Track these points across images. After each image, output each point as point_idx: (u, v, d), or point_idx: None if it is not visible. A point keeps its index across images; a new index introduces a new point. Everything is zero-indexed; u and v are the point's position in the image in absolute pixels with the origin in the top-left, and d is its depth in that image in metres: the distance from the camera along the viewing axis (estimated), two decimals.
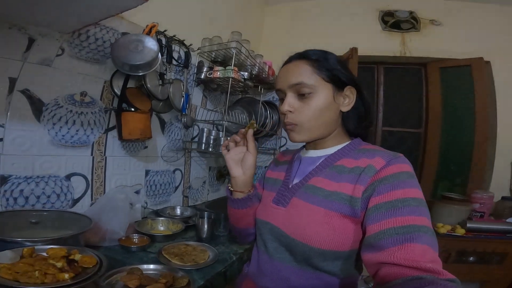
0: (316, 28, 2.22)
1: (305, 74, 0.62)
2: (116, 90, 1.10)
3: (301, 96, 0.62)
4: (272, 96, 2.24)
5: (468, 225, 1.59)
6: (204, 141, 1.53)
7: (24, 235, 0.73)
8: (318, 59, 0.62)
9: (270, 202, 0.69)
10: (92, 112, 1.05)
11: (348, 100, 0.65)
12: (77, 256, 0.63)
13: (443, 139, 1.97)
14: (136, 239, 0.97)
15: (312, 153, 0.69)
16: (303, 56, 0.64)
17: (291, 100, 0.63)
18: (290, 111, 0.63)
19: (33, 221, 0.78)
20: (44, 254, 0.63)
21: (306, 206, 0.60)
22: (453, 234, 1.58)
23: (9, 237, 0.65)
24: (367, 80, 2.20)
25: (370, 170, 0.55)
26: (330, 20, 2.20)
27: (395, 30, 2.04)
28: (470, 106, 1.86)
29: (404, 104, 2.15)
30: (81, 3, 0.73)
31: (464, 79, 1.87)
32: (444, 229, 1.60)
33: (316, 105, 0.61)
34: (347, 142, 0.67)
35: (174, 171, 1.48)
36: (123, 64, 1.03)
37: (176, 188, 1.51)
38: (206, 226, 1.10)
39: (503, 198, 1.78)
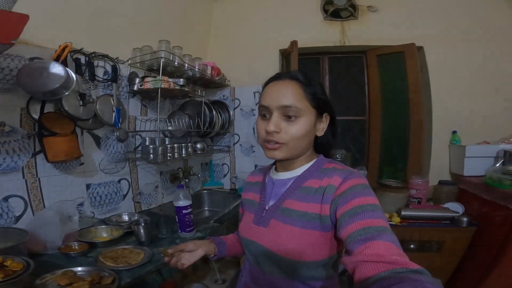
0: (261, 21, 2.42)
1: (297, 97, 0.70)
2: (34, 116, 1.25)
3: (287, 117, 0.71)
4: (223, 94, 2.47)
5: (402, 213, 1.81)
6: (151, 151, 1.73)
7: None
8: (305, 84, 0.72)
9: (251, 222, 0.82)
10: (14, 140, 1.23)
11: (322, 125, 0.77)
12: (8, 262, 0.88)
13: (383, 125, 2.25)
14: (76, 246, 1.21)
15: (283, 175, 0.82)
16: (294, 77, 0.73)
17: (277, 120, 0.71)
18: (276, 132, 0.72)
19: None
20: None
21: (284, 227, 0.73)
22: (389, 223, 1.83)
23: None
24: (313, 70, 2.44)
25: (331, 188, 0.69)
26: (275, 12, 2.40)
27: (335, 19, 2.26)
28: (404, 91, 2.12)
29: (348, 92, 2.41)
30: None
31: (398, 65, 2.13)
32: None
33: (300, 129, 0.71)
34: (313, 162, 0.80)
35: (119, 181, 1.72)
36: (34, 92, 1.17)
37: (125, 196, 1.75)
38: (142, 231, 1.34)
39: (440, 182, 2.04)
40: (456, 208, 1.88)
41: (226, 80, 2.35)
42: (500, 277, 1.54)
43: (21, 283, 0.84)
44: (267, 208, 0.80)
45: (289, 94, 0.70)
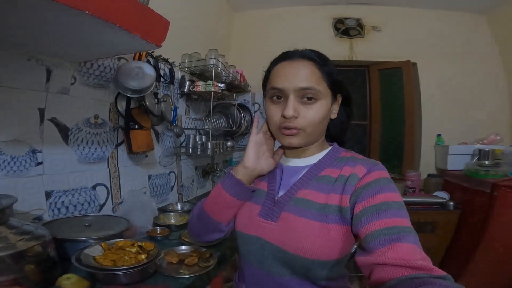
0: (279, 33, 2.58)
1: (315, 78, 0.60)
2: (120, 110, 1.32)
3: (304, 100, 0.61)
4: (244, 99, 2.59)
5: (403, 199, 2.13)
6: (191, 146, 1.82)
7: (85, 235, 0.97)
8: (321, 64, 0.62)
9: (256, 215, 0.66)
10: (104, 132, 1.28)
11: (335, 107, 0.67)
12: (142, 243, 0.93)
13: (382, 129, 2.54)
14: (159, 230, 1.26)
15: (294, 162, 0.70)
16: (308, 55, 0.62)
17: (295, 104, 0.61)
18: (295, 117, 0.61)
19: (86, 224, 1.04)
20: (113, 245, 0.91)
21: (299, 220, 0.60)
22: None
23: (78, 237, 0.93)
24: None
25: (354, 178, 0.59)
26: (291, 27, 2.57)
27: (345, 36, 2.50)
28: (400, 101, 2.42)
29: (353, 100, 2.66)
30: (105, 43, 0.89)
31: (396, 79, 2.43)
32: None
33: (319, 113, 0.61)
34: (327, 150, 0.69)
35: (169, 173, 1.76)
36: (125, 89, 1.24)
37: (172, 187, 1.80)
38: None
39: (429, 175, 2.36)
40: (443, 195, 2.19)
41: (249, 86, 2.47)
42: (485, 251, 1.84)
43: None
44: (276, 199, 0.66)
45: (307, 75, 0.60)
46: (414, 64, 2.43)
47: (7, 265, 0.67)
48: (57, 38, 0.83)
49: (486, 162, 2.07)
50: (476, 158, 2.18)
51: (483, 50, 2.39)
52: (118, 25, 0.71)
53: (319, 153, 0.68)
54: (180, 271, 0.93)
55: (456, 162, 2.28)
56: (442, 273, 0.43)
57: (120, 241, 0.93)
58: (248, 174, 0.67)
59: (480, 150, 2.16)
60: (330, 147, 0.69)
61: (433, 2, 2.34)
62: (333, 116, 0.67)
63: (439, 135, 2.42)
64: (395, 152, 2.51)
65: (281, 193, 0.66)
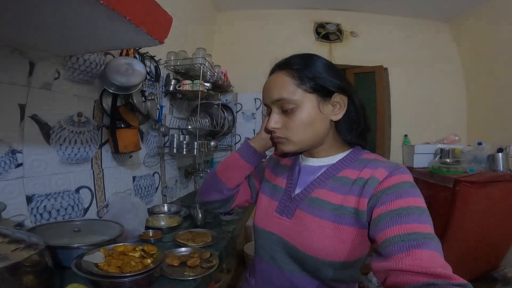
0: (261, 36, 2.61)
1: (286, 88, 0.60)
2: (105, 108, 1.23)
3: (285, 111, 0.62)
4: (226, 99, 2.56)
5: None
6: (175, 146, 1.76)
7: (77, 241, 0.90)
8: (299, 69, 0.61)
9: (273, 211, 0.68)
10: (88, 131, 1.18)
11: (338, 107, 0.63)
12: (144, 247, 0.88)
13: None
14: (151, 233, 1.20)
15: (312, 162, 0.69)
16: (285, 66, 0.63)
17: (276, 116, 0.64)
18: (277, 128, 0.64)
19: (75, 230, 0.95)
20: (113, 251, 0.85)
21: (312, 219, 0.60)
22: None
23: (71, 244, 0.85)
24: None
25: (373, 181, 0.56)
26: (274, 29, 2.61)
27: (325, 40, 2.61)
28: (373, 104, 2.58)
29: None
30: (107, 36, 0.82)
31: (370, 83, 2.58)
32: None
33: (301, 120, 0.61)
34: (348, 151, 0.67)
35: (153, 174, 1.69)
36: (111, 85, 1.16)
37: (156, 188, 1.72)
38: (200, 215, 1.40)
39: None
40: None
41: (231, 87, 2.45)
42: (452, 242, 2.02)
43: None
44: (292, 196, 0.67)
45: (277, 86, 0.62)
46: (386, 69, 2.61)
47: (5, 278, 0.59)
48: (55, 31, 0.75)
49: (448, 160, 2.30)
50: (438, 157, 2.41)
51: (445, 57, 2.64)
52: (128, 18, 0.67)
53: (337, 154, 0.67)
54: (185, 273, 0.90)
55: (421, 160, 2.49)
56: (462, 281, 0.41)
57: (120, 245, 0.88)
58: (263, 144, 0.76)
59: (441, 149, 2.39)
60: (351, 149, 0.67)
61: (403, 10, 2.54)
62: (334, 117, 0.63)
63: (406, 135, 2.63)
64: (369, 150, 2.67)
65: (297, 191, 0.67)
